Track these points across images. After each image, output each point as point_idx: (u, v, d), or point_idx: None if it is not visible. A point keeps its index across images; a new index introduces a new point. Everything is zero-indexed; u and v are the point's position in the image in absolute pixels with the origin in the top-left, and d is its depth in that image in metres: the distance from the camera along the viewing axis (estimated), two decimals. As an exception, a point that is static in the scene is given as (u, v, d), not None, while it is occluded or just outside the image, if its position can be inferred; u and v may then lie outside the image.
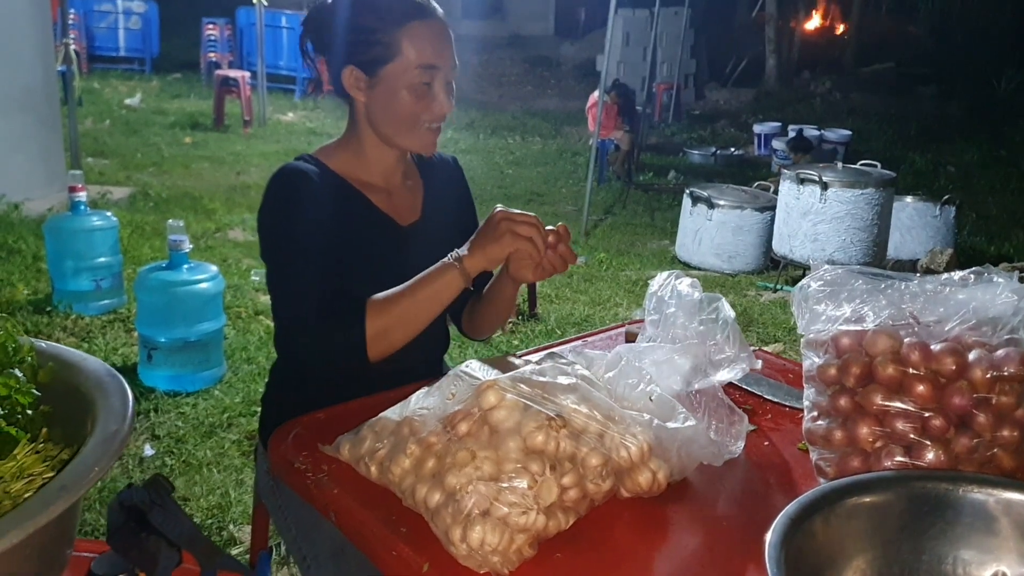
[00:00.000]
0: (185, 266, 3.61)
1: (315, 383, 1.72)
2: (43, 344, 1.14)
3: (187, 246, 3.59)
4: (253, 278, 5.18)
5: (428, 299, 1.55)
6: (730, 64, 17.39)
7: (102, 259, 4.37)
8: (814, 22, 19.05)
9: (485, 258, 1.54)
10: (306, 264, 1.58)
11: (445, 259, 1.55)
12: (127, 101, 12.38)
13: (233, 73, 11.54)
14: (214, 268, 3.77)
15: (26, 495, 0.90)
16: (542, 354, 1.50)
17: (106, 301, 4.43)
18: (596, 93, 9.13)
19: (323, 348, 1.58)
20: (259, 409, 3.37)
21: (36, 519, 0.80)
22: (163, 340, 3.58)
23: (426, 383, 1.36)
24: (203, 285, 3.63)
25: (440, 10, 1.66)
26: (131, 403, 1.01)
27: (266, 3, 11.39)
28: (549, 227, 1.57)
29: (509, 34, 20.07)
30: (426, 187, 1.81)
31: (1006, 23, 16.78)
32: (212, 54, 14.46)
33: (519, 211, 1.54)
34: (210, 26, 14.52)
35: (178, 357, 3.60)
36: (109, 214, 4.53)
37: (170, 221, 3.62)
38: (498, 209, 1.55)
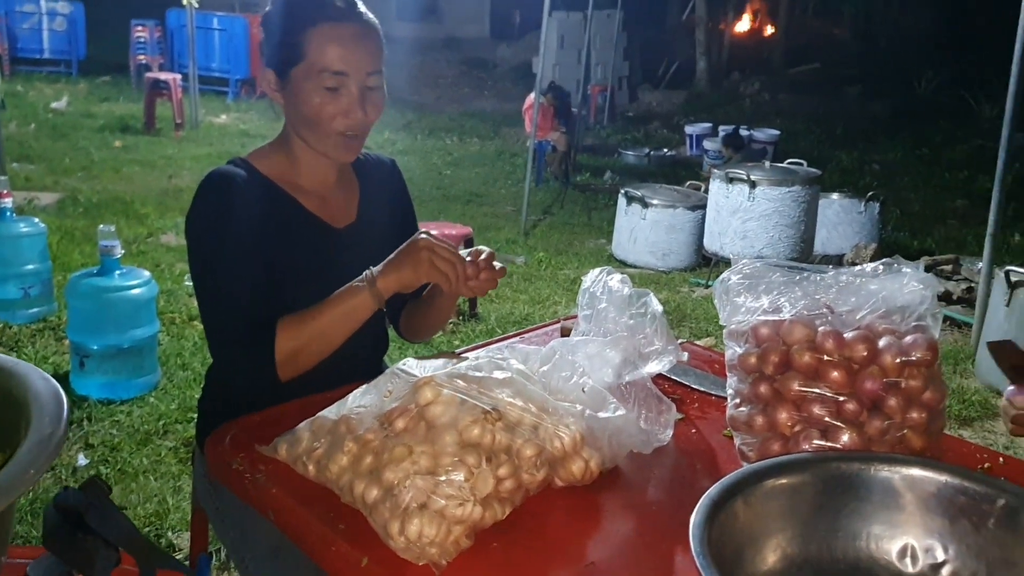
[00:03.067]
0: (117, 272, 3.56)
1: (252, 386, 1.72)
2: (-26, 350, 1.14)
3: (119, 251, 3.53)
4: (186, 283, 5.11)
5: (339, 320, 1.54)
6: (662, 66, 17.65)
7: (30, 266, 4.28)
8: (743, 25, 19.42)
9: (399, 282, 1.53)
10: (233, 275, 1.58)
11: (357, 278, 1.54)
12: (53, 104, 12.09)
13: (164, 75, 11.36)
14: (147, 273, 3.72)
15: (-38, 499, 0.90)
16: (490, 348, 1.54)
17: (35, 309, 4.34)
18: (532, 95, 9.19)
19: (238, 366, 1.61)
20: (196, 415, 3.34)
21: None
22: (95, 347, 3.52)
23: (363, 383, 1.38)
24: (136, 291, 3.58)
25: (361, 13, 1.61)
26: (65, 406, 1.01)
27: (196, 4, 11.21)
28: (468, 252, 1.57)
29: (445, 36, 20.08)
30: (362, 189, 1.80)
31: (926, 27, 17.34)
32: (142, 56, 14.20)
33: (443, 243, 1.53)
34: (139, 28, 14.27)
35: (111, 364, 3.54)
36: (36, 220, 4.44)
37: (101, 227, 3.56)
38: (422, 235, 1.53)
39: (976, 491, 1.12)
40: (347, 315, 1.54)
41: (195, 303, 4.75)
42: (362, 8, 1.63)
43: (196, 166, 9.32)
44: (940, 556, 1.12)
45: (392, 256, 1.54)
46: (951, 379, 4.39)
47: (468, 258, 1.56)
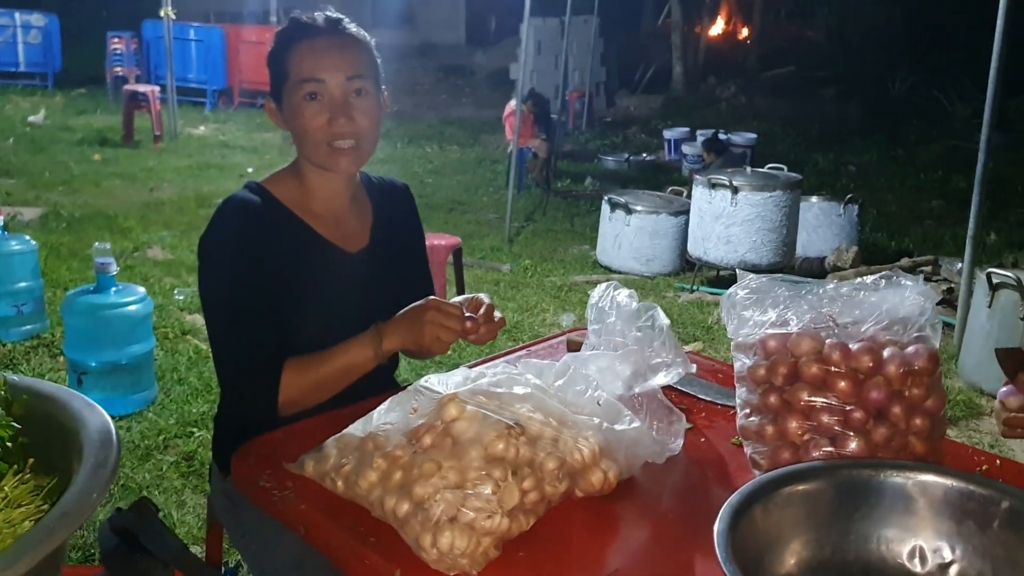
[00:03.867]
0: (113, 289, 3.59)
1: (255, 416, 1.76)
2: (15, 377, 1.17)
3: (114, 268, 3.56)
4: (177, 297, 5.13)
5: (341, 373, 1.62)
6: (638, 71, 17.76)
7: (22, 284, 4.29)
8: (718, 28, 19.59)
9: (402, 345, 1.62)
10: (244, 307, 1.63)
11: (365, 333, 1.61)
12: (30, 118, 12.05)
13: (142, 87, 11.33)
14: (142, 290, 3.74)
15: (24, 522, 0.94)
16: (498, 362, 1.58)
17: (28, 326, 4.35)
18: (513, 102, 9.25)
19: (242, 399, 1.67)
20: (195, 430, 3.36)
21: (42, 546, 0.84)
22: (94, 364, 3.54)
23: (377, 398, 1.43)
24: (132, 307, 3.60)
25: (342, 29, 1.68)
26: (114, 431, 1.06)
27: (174, 16, 11.20)
28: (465, 300, 1.65)
29: (420, 43, 20.11)
30: (375, 213, 1.84)
31: (898, 27, 17.55)
32: (118, 68, 14.16)
33: (449, 312, 1.58)
34: (115, 40, 14.23)
35: (109, 380, 3.56)
36: (27, 238, 4.45)
37: (96, 244, 3.59)
38: (431, 308, 1.58)
39: (981, 495, 1.18)
40: (350, 369, 1.62)
41: (187, 317, 4.79)
42: (347, 25, 1.69)
43: (177, 178, 9.32)
44: (948, 556, 1.18)
45: (400, 318, 1.61)
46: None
47: (467, 311, 1.62)
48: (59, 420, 1.10)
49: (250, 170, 9.78)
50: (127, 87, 11.65)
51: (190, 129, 12.35)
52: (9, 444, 1.07)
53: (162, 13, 11.22)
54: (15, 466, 1.02)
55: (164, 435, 3.42)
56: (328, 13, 1.70)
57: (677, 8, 17.13)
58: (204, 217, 7.54)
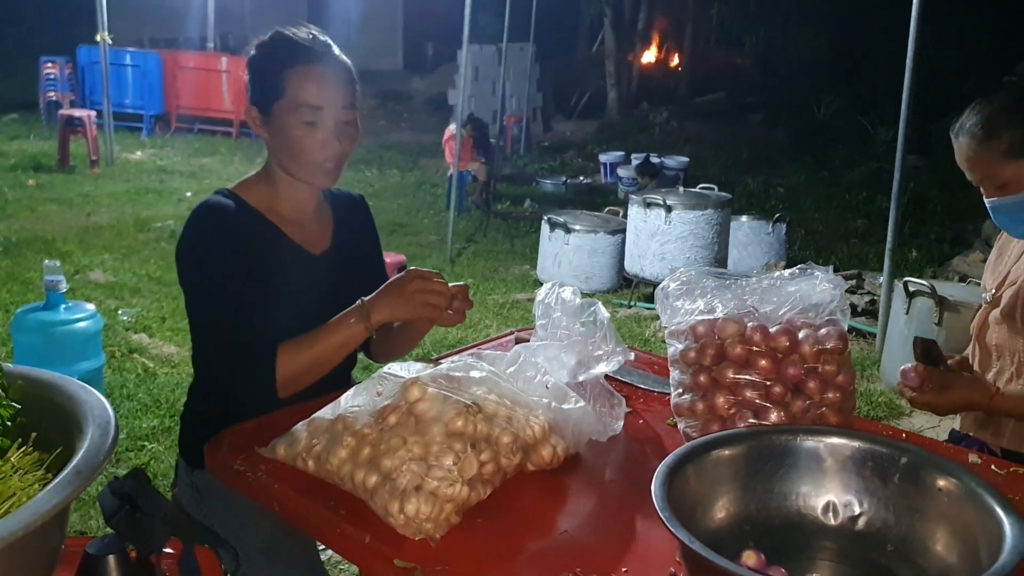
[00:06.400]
0: (63, 306, 3.62)
1: (252, 403, 1.85)
2: (9, 366, 1.28)
3: (64, 286, 3.59)
4: (122, 317, 5.15)
5: (334, 348, 1.73)
6: (574, 97, 18.08)
7: (-34, 305, 4.29)
8: (650, 56, 20.05)
9: (391, 316, 1.73)
10: (232, 300, 1.73)
11: (352, 309, 1.72)
12: (-40, 144, 11.83)
13: (78, 112, 11.20)
14: (91, 307, 3.77)
15: (34, 486, 1.05)
16: (455, 357, 1.71)
17: (-27, 347, 4.34)
18: (453, 126, 9.41)
19: (240, 387, 1.75)
20: (146, 443, 3.41)
21: (65, 496, 0.95)
22: (44, 381, 3.56)
23: (335, 394, 1.55)
24: (82, 324, 3.63)
25: (336, 56, 1.81)
26: (108, 406, 1.16)
27: (111, 41, 11.13)
28: (454, 283, 1.78)
29: (358, 68, 20.06)
30: (336, 219, 1.97)
31: (823, 55, 18.20)
32: (52, 93, 13.97)
33: (433, 277, 1.72)
34: (49, 65, 14.04)
35: (60, 397, 3.58)
36: (-30, 260, 4.45)
37: (46, 262, 3.63)
38: (412, 273, 1.71)
39: (883, 453, 1.34)
40: (342, 345, 1.73)
41: (133, 336, 4.81)
42: (336, 51, 1.82)
43: (115, 203, 9.26)
44: (857, 509, 1.33)
45: (384, 291, 1.73)
46: (859, 384, 4.72)
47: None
48: (56, 401, 1.20)
49: (188, 194, 9.75)
50: (63, 112, 11.51)
51: (127, 154, 12.23)
52: (9, 423, 1.17)
53: (98, 38, 11.12)
54: (19, 440, 1.12)
55: (116, 449, 3.44)
56: (316, 34, 1.82)
57: (610, 36, 17.51)
58: (144, 241, 7.56)
